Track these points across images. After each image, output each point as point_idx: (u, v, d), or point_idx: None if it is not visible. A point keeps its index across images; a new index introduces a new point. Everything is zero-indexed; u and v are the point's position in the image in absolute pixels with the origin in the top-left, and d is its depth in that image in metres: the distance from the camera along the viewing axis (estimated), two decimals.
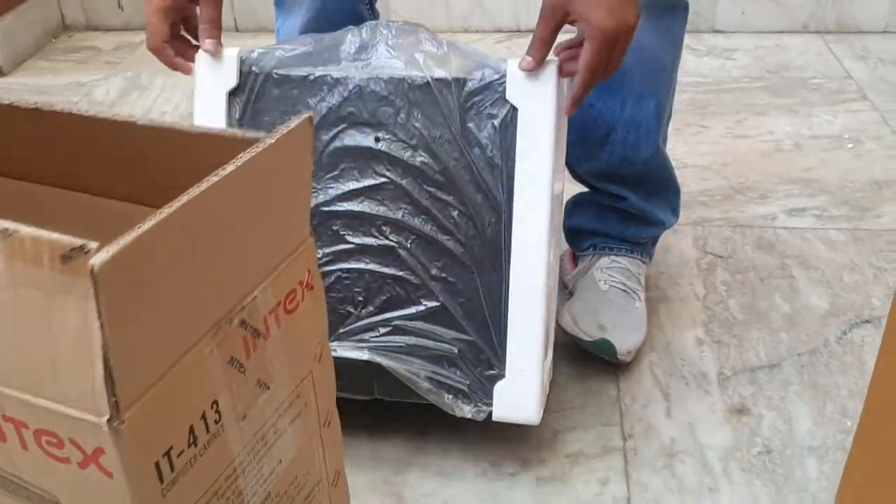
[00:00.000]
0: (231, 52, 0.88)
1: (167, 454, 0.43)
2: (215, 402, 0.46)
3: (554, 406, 0.99)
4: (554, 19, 0.79)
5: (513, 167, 0.84)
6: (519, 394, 0.86)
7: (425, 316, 0.87)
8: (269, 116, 0.88)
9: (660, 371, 1.05)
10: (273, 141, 0.47)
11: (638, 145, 1.02)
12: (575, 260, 1.17)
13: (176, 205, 0.41)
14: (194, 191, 0.42)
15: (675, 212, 1.14)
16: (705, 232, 1.32)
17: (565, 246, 1.17)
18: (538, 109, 0.83)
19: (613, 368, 1.05)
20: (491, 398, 0.87)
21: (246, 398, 0.49)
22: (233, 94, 0.88)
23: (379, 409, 0.94)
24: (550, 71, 0.82)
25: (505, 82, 0.83)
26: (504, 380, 0.86)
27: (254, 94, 0.88)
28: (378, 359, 0.87)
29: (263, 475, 0.53)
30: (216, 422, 0.47)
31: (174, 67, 0.87)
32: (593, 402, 1.01)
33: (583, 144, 1.04)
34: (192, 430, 0.45)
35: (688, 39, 1.99)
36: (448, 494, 0.90)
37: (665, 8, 1.00)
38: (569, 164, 1.07)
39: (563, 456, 0.94)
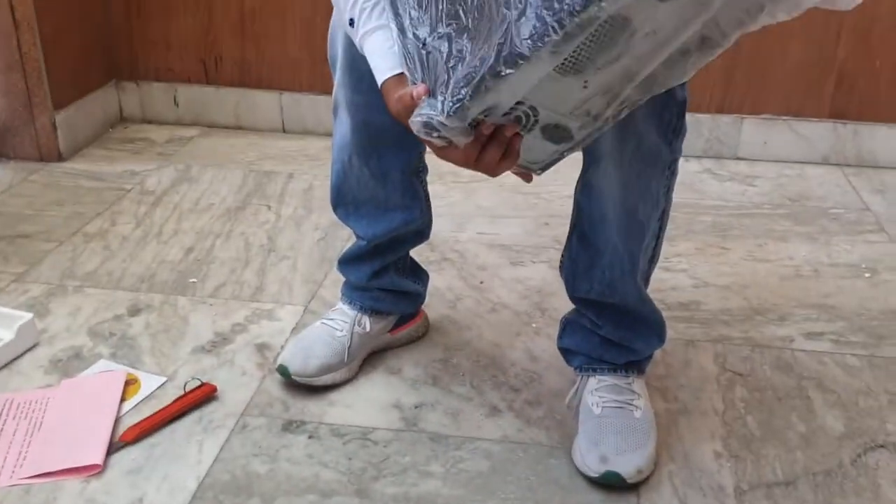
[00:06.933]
0: None
1: None
2: None
3: None
4: None
5: None
6: None
7: None
8: None
9: (678, 481, 1.08)
10: None
11: (614, 286, 1.11)
12: None
13: None
14: None
15: (660, 338, 1.19)
16: (725, 349, 1.36)
17: None
18: None
19: None
20: None
21: None
22: None
23: None
24: None
25: None
26: None
27: None
28: None
29: None
30: None
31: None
32: None
33: (575, 266, 1.13)
34: None
35: (710, 164, 2.12)
36: None
37: (645, 163, 1.02)
38: (566, 280, 1.16)
39: None
